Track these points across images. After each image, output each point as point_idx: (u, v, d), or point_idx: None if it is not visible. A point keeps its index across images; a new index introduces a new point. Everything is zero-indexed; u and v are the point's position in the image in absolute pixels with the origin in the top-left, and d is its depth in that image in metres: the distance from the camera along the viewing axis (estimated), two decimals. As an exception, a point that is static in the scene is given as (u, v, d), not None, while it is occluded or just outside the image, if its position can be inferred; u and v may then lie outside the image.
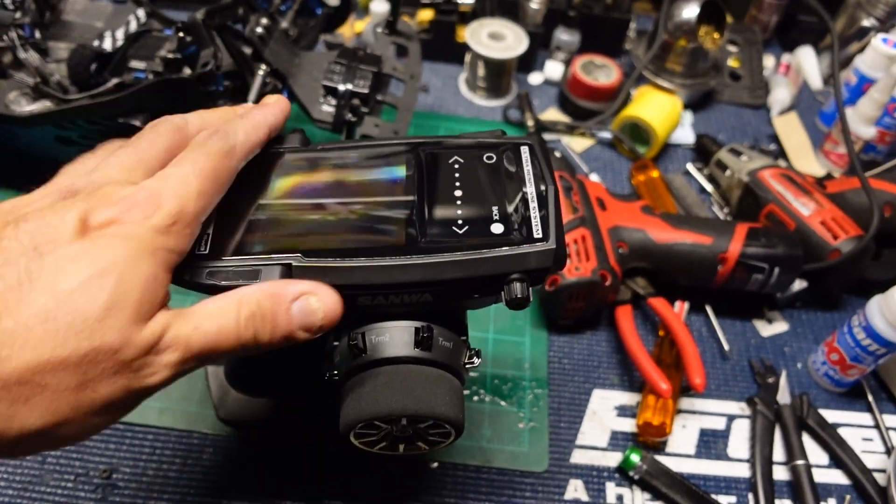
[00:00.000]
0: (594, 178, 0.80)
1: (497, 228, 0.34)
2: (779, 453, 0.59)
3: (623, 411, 0.61)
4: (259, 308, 0.30)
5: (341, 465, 0.54)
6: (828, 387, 0.64)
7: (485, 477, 0.55)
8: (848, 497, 0.57)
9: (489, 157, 0.37)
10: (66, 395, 0.25)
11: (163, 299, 0.28)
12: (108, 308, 0.26)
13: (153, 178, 0.30)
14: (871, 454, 0.60)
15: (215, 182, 0.31)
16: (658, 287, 0.65)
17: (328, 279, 0.32)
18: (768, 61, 0.99)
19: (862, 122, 0.80)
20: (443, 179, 0.36)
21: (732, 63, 0.96)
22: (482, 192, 0.35)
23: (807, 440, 0.60)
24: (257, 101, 0.60)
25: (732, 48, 0.98)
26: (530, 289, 0.33)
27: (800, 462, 0.57)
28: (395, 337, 0.35)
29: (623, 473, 0.56)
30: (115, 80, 0.60)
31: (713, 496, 0.55)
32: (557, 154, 0.70)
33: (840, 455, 0.58)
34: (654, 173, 0.78)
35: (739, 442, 0.60)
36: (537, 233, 0.33)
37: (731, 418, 0.61)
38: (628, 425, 0.60)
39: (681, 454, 0.58)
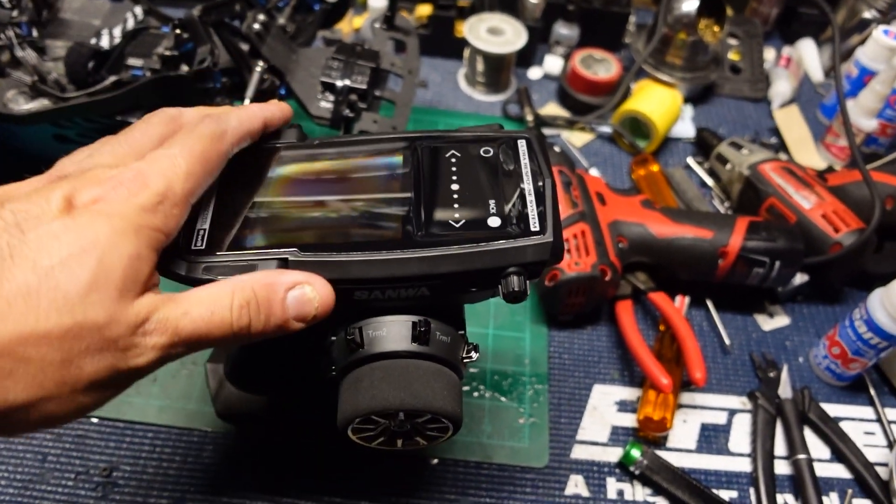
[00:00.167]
0: (594, 172, 0.80)
1: (494, 222, 0.34)
2: (780, 447, 0.59)
3: (623, 406, 0.60)
4: (254, 296, 0.30)
5: (341, 462, 0.54)
6: (829, 380, 0.63)
7: (485, 473, 0.55)
8: (850, 491, 0.57)
9: (486, 151, 0.37)
10: (51, 370, 0.25)
11: (148, 277, 0.28)
12: (90, 284, 0.26)
13: (142, 159, 0.30)
14: (873, 448, 0.59)
15: (204, 164, 0.31)
16: (658, 282, 0.65)
17: (325, 273, 0.32)
18: (769, 54, 0.98)
19: (863, 114, 0.79)
20: (440, 174, 0.36)
21: (733, 56, 0.96)
22: (479, 186, 0.35)
23: (808, 434, 0.60)
24: (255, 97, 0.60)
25: (733, 41, 0.97)
26: (527, 282, 0.33)
27: (801, 456, 0.57)
28: (392, 331, 0.35)
29: (624, 469, 0.56)
30: (112, 78, 0.60)
31: (714, 491, 0.55)
32: (557, 149, 0.70)
33: (842, 449, 0.58)
34: (655, 167, 0.78)
35: (740, 436, 0.59)
36: (534, 226, 0.33)
37: (732, 413, 0.61)
38: (629, 420, 0.59)
39: (682, 449, 0.58)
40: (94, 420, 0.55)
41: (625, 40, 0.95)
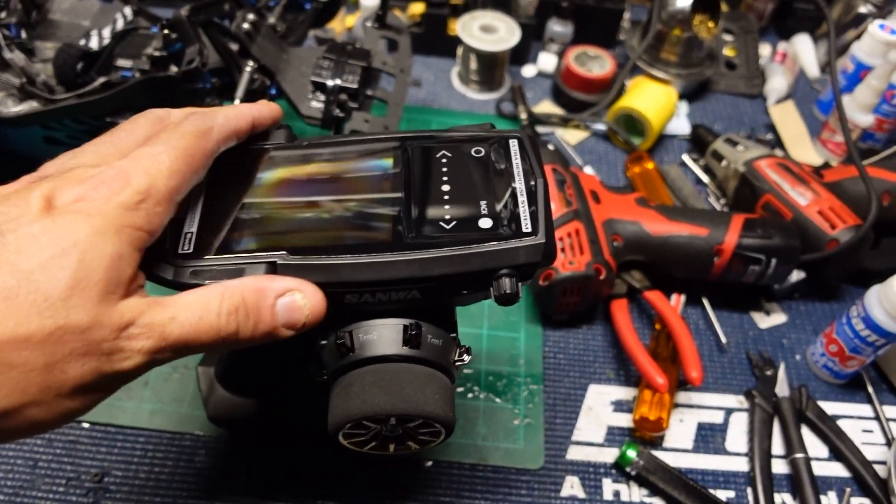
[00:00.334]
0: (588, 170, 0.79)
1: (485, 223, 0.33)
2: (778, 446, 0.58)
3: (619, 406, 0.60)
4: (243, 302, 0.30)
5: (334, 465, 0.53)
6: (827, 378, 0.63)
7: (480, 475, 0.54)
8: (848, 490, 0.56)
9: (477, 151, 0.36)
10: (34, 374, 0.25)
11: (131, 278, 0.28)
12: (71, 287, 0.25)
13: (124, 158, 0.29)
14: (871, 446, 0.59)
15: (189, 161, 0.31)
16: (654, 280, 0.64)
17: (314, 277, 0.32)
18: (764, 50, 0.98)
19: (859, 109, 0.79)
20: (430, 174, 0.35)
21: (728, 52, 0.95)
22: (470, 186, 0.35)
23: (806, 433, 0.59)
24: (245, 97, 0.60)
25: (728, 37, 0.97)
26: (520, 284, 0.33)
27: (799, 455, 0.56)
28: (382, 335, 0.35)
29: (620, 469, 0.56)
30: (101, 79, 0.60)
31: (711, 491, 0.54)
32: (551, 147, 0.69)
33: (840, 447, 0.58)
34: (650, 165, 0.77)
35: (738, 436, 0.59)
36: (526, 227, 0.33)
37: (729, 412, 0.61)
38: (625, 420, 0.59)
39: (678, 449, 0.58)
40: (86, 425, 0.54)
41: (619, 37, 0.94)
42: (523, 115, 0.82)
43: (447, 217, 0.33)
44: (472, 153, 0.36)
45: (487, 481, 0.54)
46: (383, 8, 0.70)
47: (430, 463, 0.55)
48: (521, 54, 0.91)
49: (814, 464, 0.56)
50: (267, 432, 0.54)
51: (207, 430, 0.54)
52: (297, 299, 0.31)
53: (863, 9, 0.91)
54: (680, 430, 0.59)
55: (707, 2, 0.82)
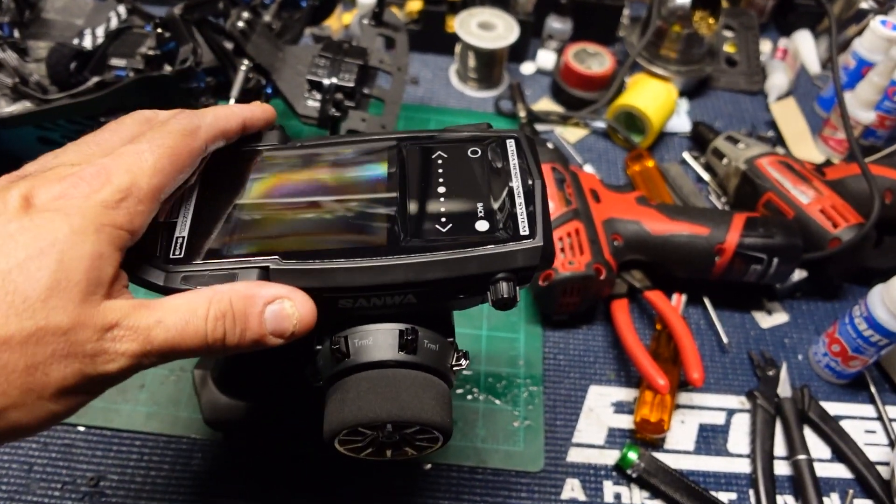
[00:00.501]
0: (588, 169, 0.78)
1: (482, 226, 0.32)
2: (780, 448, 0.58)
3: (620, 408, 0.59)
4: (230, 308, 0.29)
5: (332, 469, 0.53)
6: (829, 378, 0.62)
7: (479, 478, 0.54)
8: (851, 491, 0.56)
9: (474, 152, 0.36)
10: (14, 376, 0.24)
11: (112, 278, 0.27)
12: (50, 287, 0.25)
13: (107, 156, 0.29)
14: (874, 447, 0.58)
15: (174, 160, 0.30)
16: (654, 280, 0.64)
17: (308, 282, 0.31)
18: (765, 46, 0.97)
19: (861, 106, 0.78)
20: (426, 176, 0.35)
21: (728, 49, 0.95)
22: (466, 188, 0.34)
23: (808, 434, 0.59)
24: (240, 97, 0.59)
25: (728, 33, 0.96)
26: (517, 288, 0.32)
27: (801, 456, 0.56)
28: (378, 340, 0.34)
29: (621, 471, 0.55)
30: (95, 79, 0.59)
31: (713, 493, 0.54)
32: (550, 145, 0.69)
33: (842, 448, 0.57)
34: (650, 163, 0.77)
35: (739, 437, 0.58)
36: (524, 230, 0.32)
37: (730, 413, 0.60)
38: (626, 422, 0.58)
39: (679, 450, 0.57)
40: (81, 428, 0.54)
41: (618, 34, 0.94)
42: (522, 113, 0.82)
43: (443, 220, 0.33)
44: (469, 154, 0.36)
45: (487, 484, 0.54)
46: (380, 5, 0.69)
47: (428, 466, 0.54)
48: (520, 51, 0.90)
49: (816, 465, 0.56)
50: (264, 435, 0.54)
51: (204, 433, 0.54)
52: (286, 307, 0.30)
53: (864, 4, 0.90)
54: (681, 432, 0.58)
55: (707, -2, 0.82)
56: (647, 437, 0.57)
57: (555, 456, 0.56)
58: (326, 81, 0.60)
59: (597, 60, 0.85)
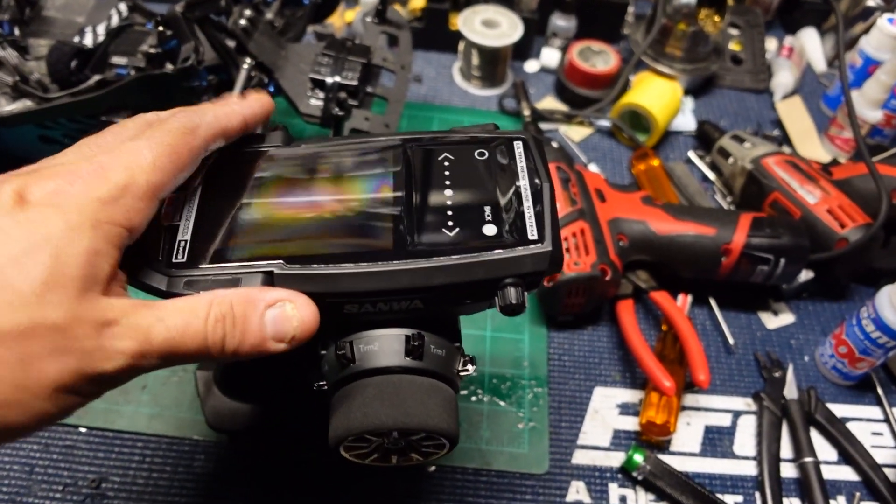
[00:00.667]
0: (593, 168, 0.78)
1: (489, 230, 0.32)
2: (786, 450, 0.57)
3: (625, 409, 0.59)
4: (231, 311, 0.29)
5: (336, 471, 0.53)
6: (836, 380, 0.62)
7: (484, 480, 0.54)
8: (858, 494, 0.55)
9: (481, 154, 0.35)
10: (7, 371, 0.24)
11: (109, 276, 0.27)
12: (45, 283, 0.24)
13: (106, 154, 0.28)
14: (881, 449, 0.58)
15: (173, 157, 0.30)
16: (660, 280, 0.63)
17: (312, 287, 0.31)
18: (771, 44, 0.96)
19: (868, 105, 0.77)
20: (432, 178, 0.34)
21: (734, 46, 0.94)
22: (473, 191, 0.34)
23: (815, 436, 0.58)
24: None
25: (734, 31, 0.95)
26: (525, 294, 0.31)
27: (808, 459, 0.55)
28: (384, 346, 0.34)
29: (626, 474, 0.55)
30: (96, 77, 0.58)
31: (719, 496, 0.53)
32: (555, 144, 0.68)
33: (849, 451, 0.57)
34: (655, 162, 0.76)
35: (746, 439, 0.58)
36: (532, 234, 0.32)
37: (736, 414, 0.60)
38: (631, 424, 0.58)
39: (685, 453, 0.57)
40: (83, 430, 0.54)
41: (623, 31, 0.93)
42: (526, 112, 0.81)
43: (450, 223, 0.32)
44: (476, 155, 0.35)
45: (491, 486, 0.53)
46: (383, 3, 0.68)
47: (433, 468, 0.54)
48: (524, 49, 0.89)
49: (823, 467, 0.55)
50: (267, 437, 0.53)
51: (206, 435, 0.54)
52: (287, 310, 0.30)
53: (871, 2, 0.90)
54: (687, 434, 0.58)
55: (713, -5, 0.81)
56: (653, 439, 0.56)
57: (559, 458, 0.55)
58: (329, 80, 0.59)
59: (601, 58, 0.84)
